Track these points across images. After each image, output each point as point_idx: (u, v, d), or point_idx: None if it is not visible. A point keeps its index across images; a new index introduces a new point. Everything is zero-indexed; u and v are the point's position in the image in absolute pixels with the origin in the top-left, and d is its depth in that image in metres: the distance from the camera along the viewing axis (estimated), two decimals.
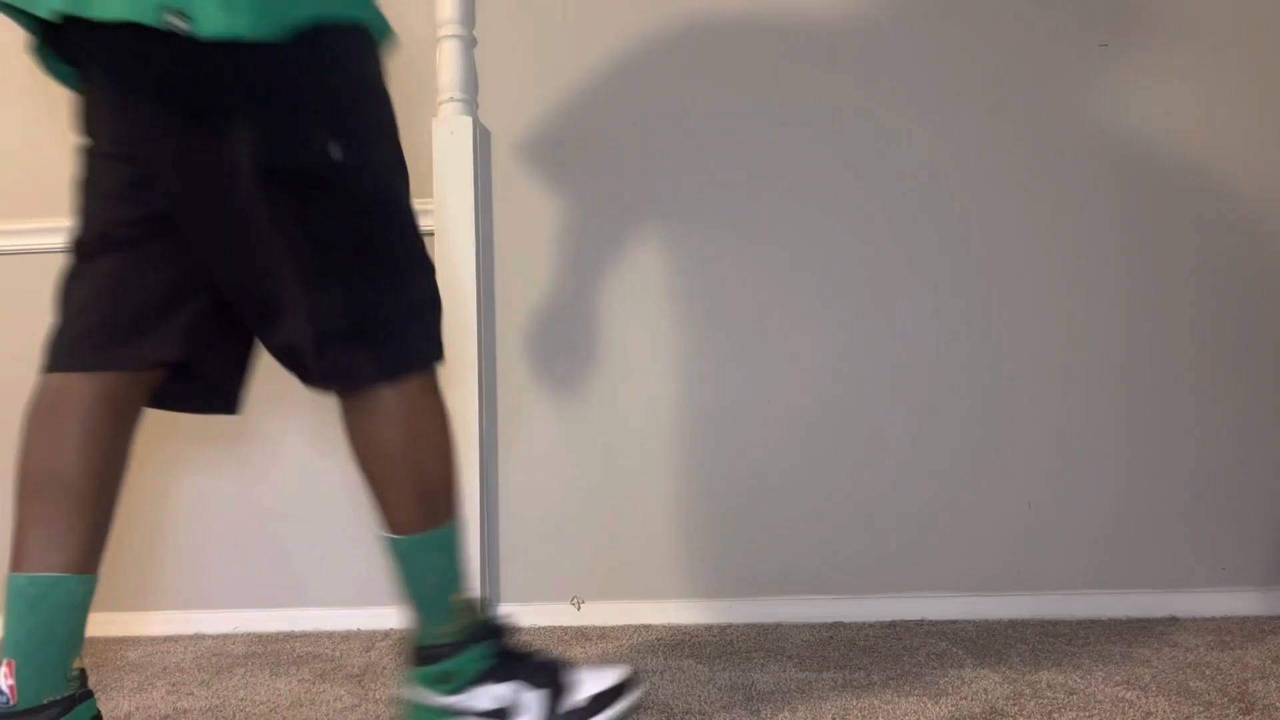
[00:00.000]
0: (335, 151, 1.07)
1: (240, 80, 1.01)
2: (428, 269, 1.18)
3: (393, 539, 1.16)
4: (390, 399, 1.12)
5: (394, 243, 1.14)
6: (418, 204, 2.07)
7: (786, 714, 1.31)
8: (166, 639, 1.92)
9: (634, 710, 1.31)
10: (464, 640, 1.19)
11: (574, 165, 1.98)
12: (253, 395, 2.02)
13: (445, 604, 1.18)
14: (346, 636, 1.88)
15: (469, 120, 1.96)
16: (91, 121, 1.11)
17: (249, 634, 1.94)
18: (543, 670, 1.23)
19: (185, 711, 1.43)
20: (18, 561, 1.04)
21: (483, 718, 1.19)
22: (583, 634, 1.82)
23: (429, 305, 1.17)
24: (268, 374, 2.02)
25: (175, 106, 1.03)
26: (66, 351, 1.12)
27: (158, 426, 2.03)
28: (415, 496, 1.14)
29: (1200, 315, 1.88)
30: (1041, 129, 1.92)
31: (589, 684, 1.25)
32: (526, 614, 1.93)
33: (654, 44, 1.97)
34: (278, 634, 1.93)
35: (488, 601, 1.93)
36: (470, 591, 1.22)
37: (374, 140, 1.13)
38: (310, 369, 1.11)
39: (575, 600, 1.93)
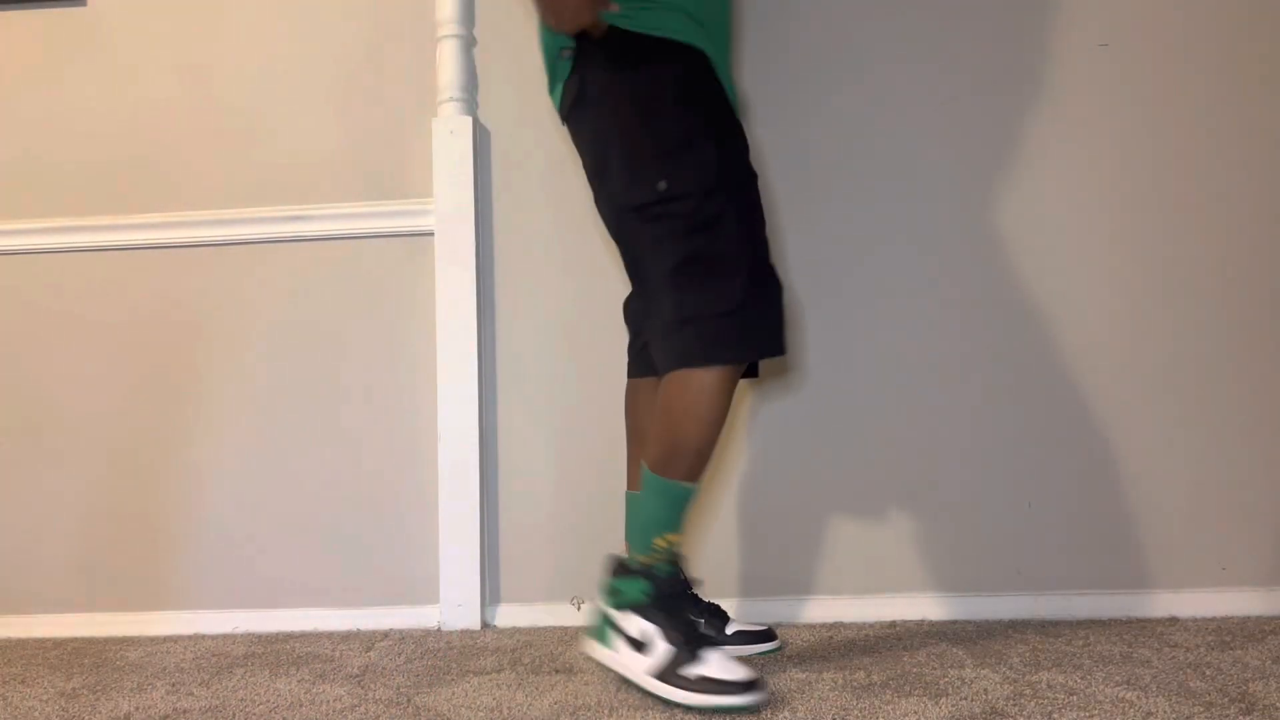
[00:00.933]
0: (661, 185, 1.42)
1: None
2: (739, 276, 1.41)
3: (644, 467, 1.47)
4: (694, 377, 1.41)
5: (709, 256, 1.41)
6: (416, 204, 2.08)
7: (786, 714, 1.31)
8: (166, 639, 1.92)
9: (736, 711, 1.32)
10: (639, 571, 1.45)
11: (573, 165, 1.97)
12: (259, 397, 2.02)
13: (647, 539, 1.47)
14: (346, 636, 1.88)
15: (469, 120, 1.97)
16: None
17: (249, 634, 1.94)
18: (681, 631, 1.40)
19: (185, 711, 1.43)
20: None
21: (624, 637, 1.43)
22: (583, 634, 1.82)
23: (738, 310, 1.40)
24: (267, 378, 2.02)
25: (582, 160, 1.57)
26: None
27: (156, 429, 2.03)
28: (668, 447, 1.43)
29: (1200, 315, 1.88)
30: (1040, 128, 1.92)
31: (711, 666, 1.35)
32: (527, 614, 1.93)
33: None
34: (278, 634, 1.93)
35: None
36: (677, 545, 1.48)
37: (692, 174, 1.43)
38: (656, 351, 1.48)
39: (575, 600, 1.93)
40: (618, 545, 1.94)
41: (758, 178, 1.52)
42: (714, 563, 1.91)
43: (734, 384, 1.44)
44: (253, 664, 1.69)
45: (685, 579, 1.58)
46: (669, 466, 1.44)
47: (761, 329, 1.43)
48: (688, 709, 1.33)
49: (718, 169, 1.42)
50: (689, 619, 1.46)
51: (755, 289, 1.41)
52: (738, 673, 1.34)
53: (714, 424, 1.43)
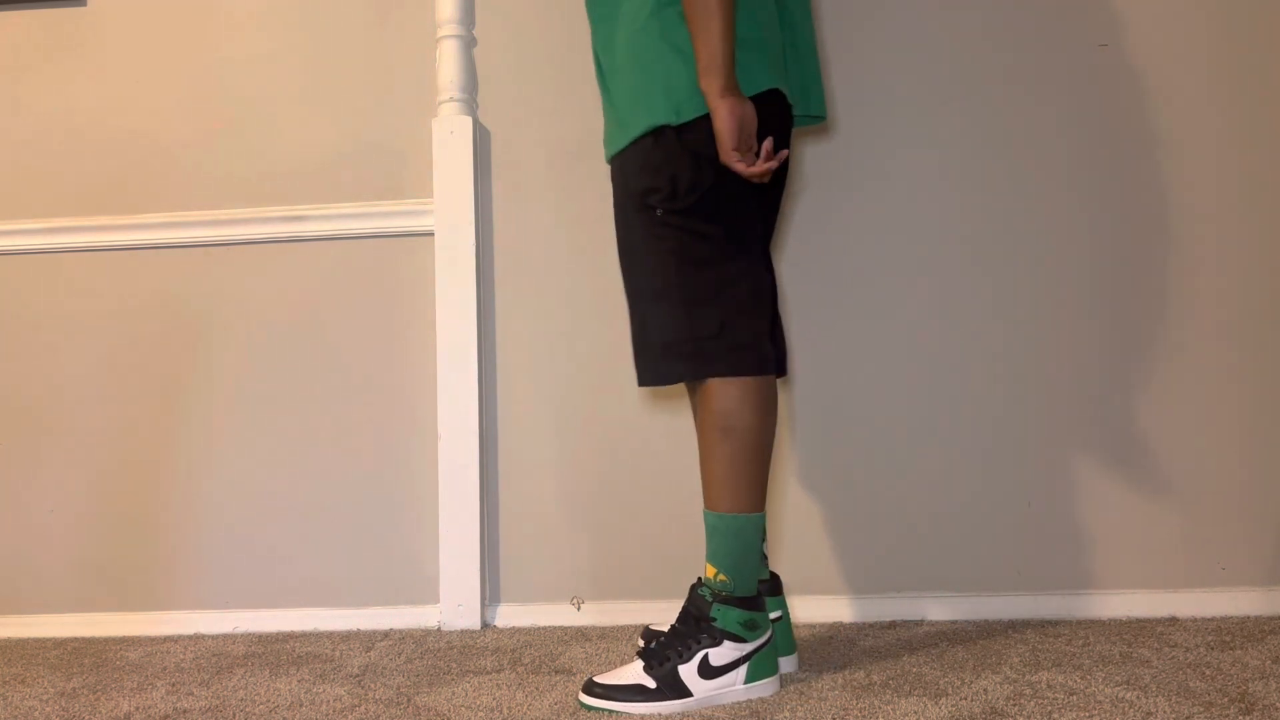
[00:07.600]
0: None
1: None
2: None
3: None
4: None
5: None
6: (416, 204, 2.08)
7: (786, 714, 1.31)
8: (166, 639, 1.92)
9: None
10: None
11: (574, 165, 1.98)
12: (260, 397, 2.02)
13: None
14: (346, 636, 1.88)
15: (469, 120, 1.97)
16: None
17: (249, 634, 1.94)
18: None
19: (185, 711, 1.43)
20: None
21: None
22: (583, 634, 1.82)
23: None
24: (267, 378, 2.02)
25: None
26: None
27: (156, 428, 2.03)
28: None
29: (1200, 314, 1.88)
30: (1040, 128, 1.92)
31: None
32: (527, 614, 1.93)
33: None
34: (278, 634, 1.93)
35: (487, 601, 1.93)
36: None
37: None
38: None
39: (575, 600, 1.93)
40: (617, 545, 1.94)
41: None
42: None
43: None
44: (253, 664, 1.69)
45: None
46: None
47: None
48: None
49: None
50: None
51: None
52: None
53: None
